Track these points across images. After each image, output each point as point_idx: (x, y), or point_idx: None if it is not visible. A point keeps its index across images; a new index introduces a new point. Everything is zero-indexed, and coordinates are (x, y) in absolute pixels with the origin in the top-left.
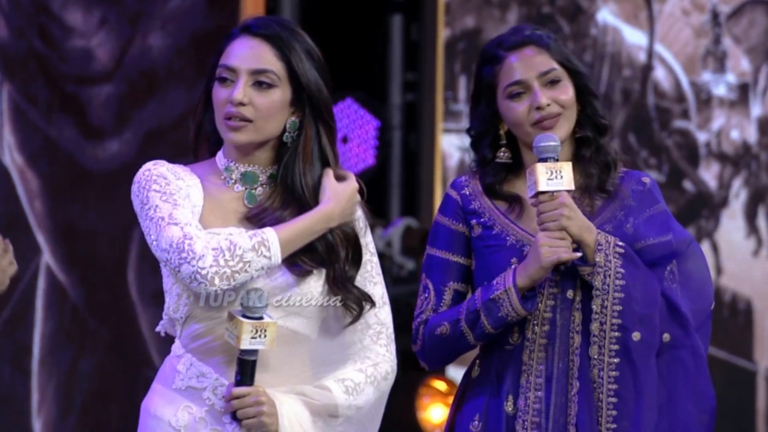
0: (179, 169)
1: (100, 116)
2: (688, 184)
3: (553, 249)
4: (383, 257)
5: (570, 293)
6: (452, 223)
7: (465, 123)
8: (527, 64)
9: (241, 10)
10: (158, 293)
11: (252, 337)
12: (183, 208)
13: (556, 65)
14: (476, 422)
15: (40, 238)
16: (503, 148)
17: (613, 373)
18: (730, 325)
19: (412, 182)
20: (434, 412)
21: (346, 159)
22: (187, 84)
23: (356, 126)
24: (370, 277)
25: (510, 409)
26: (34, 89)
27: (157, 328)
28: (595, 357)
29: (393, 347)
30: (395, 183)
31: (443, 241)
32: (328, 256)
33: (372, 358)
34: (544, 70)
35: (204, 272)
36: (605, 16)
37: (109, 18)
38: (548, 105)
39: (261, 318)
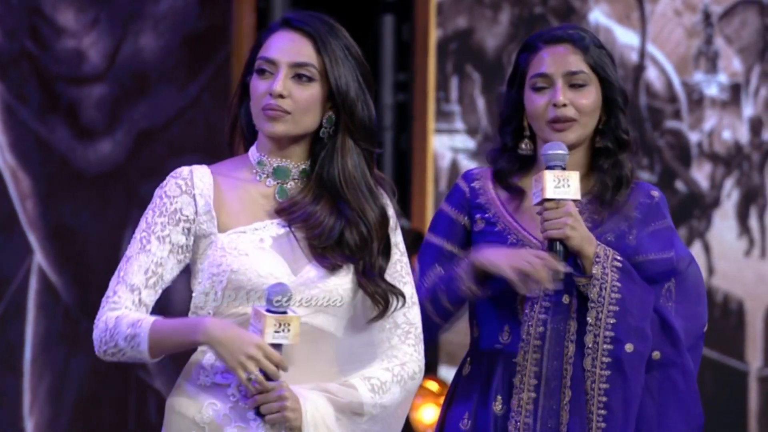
0: (198, 176)
1: (92, 116)
2: (679, 185)
3: (523, 265)
4: None
5: (566, 298)
6: (454, 213)
7: (457, 123)
8: (557, 60)
9: (233, 11)
10: None
11: (275, 332)
12: (143, 257)
13: (586, 69)
14: (466, 420)
15: (32, 239)
16: (526, 140)
17: (604, 385)
18: (721, 326)
19: (403, 183)
20: (426, 412)
21: None
22: (179, 84)
23: None
24: (400, 277)
25: (498, 409)
26: (26, 89)
27: None
28: (589, 369)
29: (421, 347)
30: None
31: (442, 229)
32: (361, 251)
33: (399, 357)
34: (572, 70)
35: (94, 335)
36: (597, 16)
37: (100, 18)
38: (565, 105)
39: (285, 313)
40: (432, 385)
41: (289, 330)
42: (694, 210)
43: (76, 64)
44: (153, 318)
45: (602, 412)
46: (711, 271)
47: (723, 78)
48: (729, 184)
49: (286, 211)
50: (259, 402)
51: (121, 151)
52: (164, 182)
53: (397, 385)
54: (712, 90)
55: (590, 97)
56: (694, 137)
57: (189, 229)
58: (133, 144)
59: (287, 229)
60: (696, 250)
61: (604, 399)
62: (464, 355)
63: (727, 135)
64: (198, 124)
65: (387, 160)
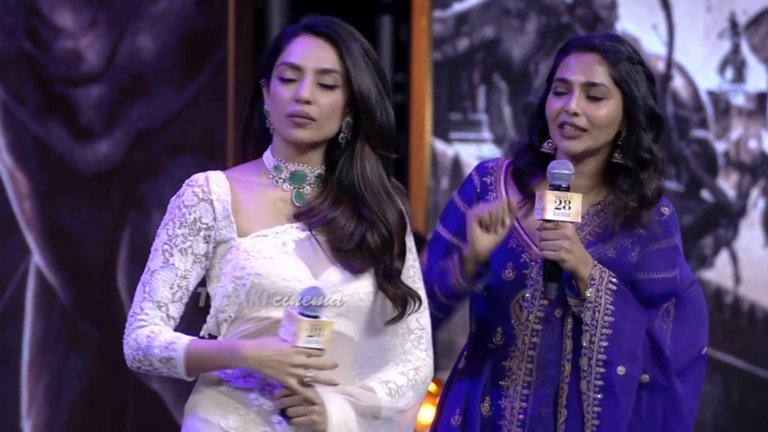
0: (214, 181)
1: (89, 117)
2: (706, 194)
3: (480, 208)
4: None
5: (558, 312)
6: (464, 206)
7: (485, 133)
8: (580, 69)
9: (230, 11)
10: None
11: (308, 335)
12: (167, 271)
13: (607, 82)
14: (457, 416)
15: (30, 239)
16: (549, 140)
17: (597, 408)
18: (748, 335)
19: (401, 183)
20: (424, 412)
21: None
22: (177, 85)
23: None
24: (413, 282)
25: (486, 410)
26: (24, 90)
27: (201, 333)
28: (584, 392)
29: (431, 352)
30: None
31: (451, 221)
32: (382, 253)
33: (413, 362)
34: (591, 81)
35: (126, 358)
36: (624, 25)
37: (98, 19)
38: (575, 114)
39: (318, 317)
40: (430, 386)
41: (321, 335)
42: (721, 219)
43: (74, 65)
44: (186, 340)
45: None
46: (737, 280)
47: (749, 87)
48: (755, 193)
49: (305, 216)
50: (286, 404)
51: (119, 152)
52: (180, 191)
53: (411, 390)
54: (738, 99)
55: (605, 111)
56: (720, 146)
57: (209, 236)
58: (131, 144)
59: (308, 233)
60: (722, 259)
61: (597, 422)
62: (462, 348)
63: (753, 144)
64: (196, 125)
65: None
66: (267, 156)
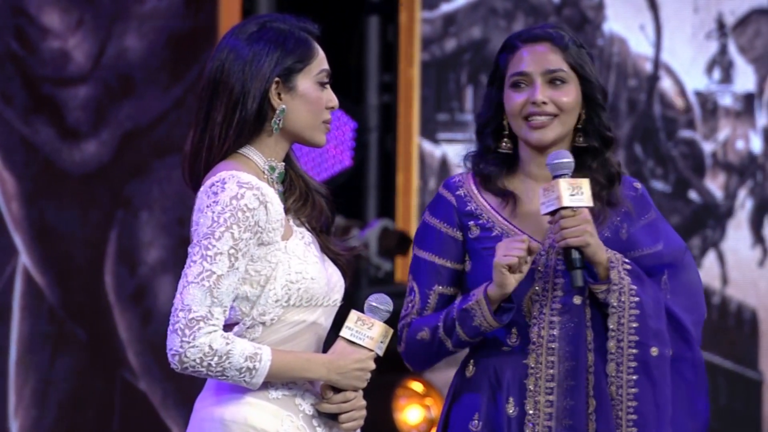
0: (264, 189)
1: (76, 117)
2: (693, 195)
3: (504, 252)
4: (360, 259)
5: (577, 299)
6: (443, 226)
7: (472, 134)
8: (536, 59)
9: (218, 11)
10: (134, 294)
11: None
12: (232, 275)
13: (565, 67)
14: (476, 422)
15: (17, 240)
16: (505, 139)
17: (633, 389)
18: (735, 335)
19: (388, 184)
20: (411, 413)
21: (323, 161)
22: (164, 85)
23: (333, 128)
24: None
25: (511, 411)
26: (11, 90)
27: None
28: (613, 375)
29: None
30: (372, 184)
31: (432, 243)
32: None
33: None
34: (551, 68)
35: (183, 360)
36: (611, 26)
37: (85, 19)
38: (544, 103)
39: (384, 321)
40: (417, 386)
41: (385, 341)
42: (708, 220)
43: (61, 65)
44: (269, 351)
45: (632, 417)
46: (725, 281)
47: (737, 88)
48: (743, 194)
49: (300, 212)
50: (345, 409)
51: (106, 152)
52: (235, 193)
53: None
54: (725, 100)
55: (570, 95)
56: (707, 147)
57: (259, 239)
58: (118, 145)
59: (310, 231)
60: (710, 260)
61: (634, 404)
62: (465, 357)
63: (740, 145)
64: (183, 125)
65: (372, 161)
66: (256, 156)
